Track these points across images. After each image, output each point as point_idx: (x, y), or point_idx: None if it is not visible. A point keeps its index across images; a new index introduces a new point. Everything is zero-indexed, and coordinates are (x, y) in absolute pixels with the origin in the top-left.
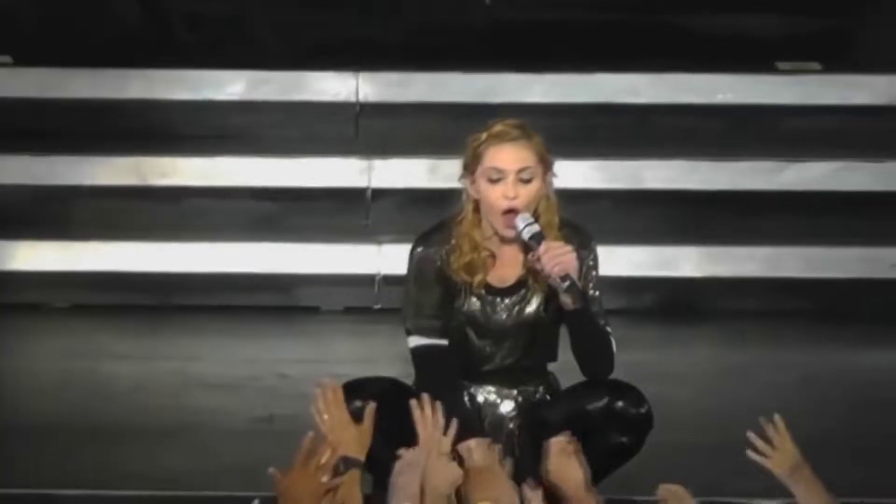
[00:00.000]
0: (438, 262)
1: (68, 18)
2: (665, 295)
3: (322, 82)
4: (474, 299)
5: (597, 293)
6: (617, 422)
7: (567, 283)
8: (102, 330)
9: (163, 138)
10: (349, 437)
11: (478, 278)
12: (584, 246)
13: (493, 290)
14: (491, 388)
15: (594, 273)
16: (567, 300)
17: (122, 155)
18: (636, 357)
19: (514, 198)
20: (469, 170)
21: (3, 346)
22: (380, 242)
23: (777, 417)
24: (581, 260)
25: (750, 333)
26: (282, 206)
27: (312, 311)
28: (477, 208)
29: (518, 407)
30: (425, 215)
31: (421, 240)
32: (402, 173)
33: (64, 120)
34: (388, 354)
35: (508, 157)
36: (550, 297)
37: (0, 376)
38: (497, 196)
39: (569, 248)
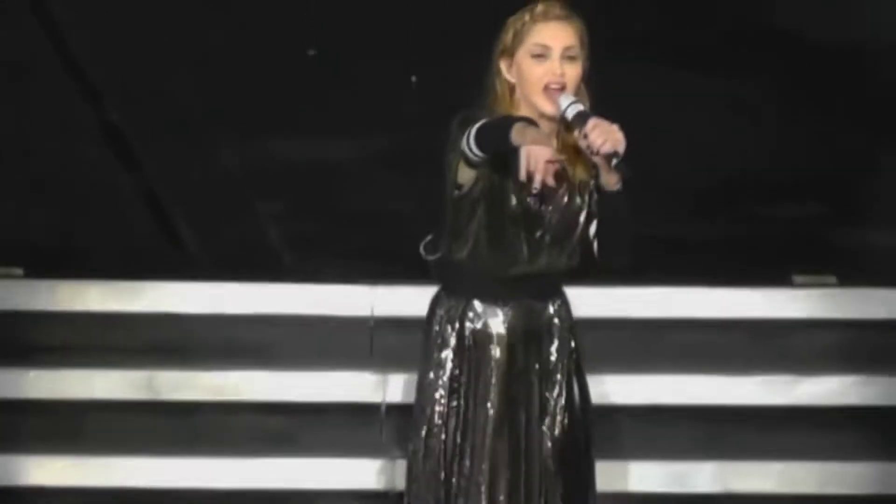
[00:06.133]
0: None
1: (81, 230)
2: None
3: (336, 296)
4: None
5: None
6: None
7: (616, 161)
8: None
9: (175, 352)
10: None
11: None
12: None
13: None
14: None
15: None
16: (611, 180)
17: (133, 369)
18: None
19: (561, 75)
20: (508, 52)
21: None
22: (394, 458)
23: None
24: None
25: None
26: (295, 421)
27: None
28: (512, 93)
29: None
30: None
31: (467, 109)
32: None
33: (74, 333)
34: None
35: (555, 33)
36: (588, 193)
37: None
38: (541, 73)
39: (615, 125)
